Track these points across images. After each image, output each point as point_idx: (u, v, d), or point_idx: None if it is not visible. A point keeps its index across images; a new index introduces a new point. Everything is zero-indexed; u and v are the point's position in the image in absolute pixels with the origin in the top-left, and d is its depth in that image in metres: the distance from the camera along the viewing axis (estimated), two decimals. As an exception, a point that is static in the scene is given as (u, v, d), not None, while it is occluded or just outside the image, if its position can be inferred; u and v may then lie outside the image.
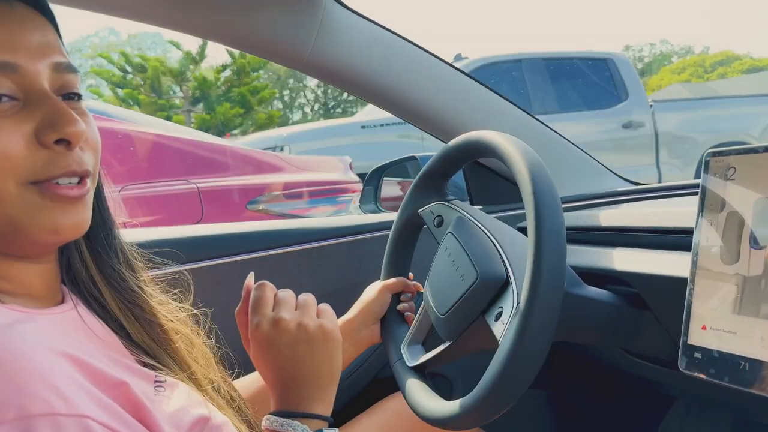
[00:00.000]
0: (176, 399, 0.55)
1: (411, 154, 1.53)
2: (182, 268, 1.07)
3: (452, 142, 0.86)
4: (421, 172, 0.94)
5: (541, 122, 1.23)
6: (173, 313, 0.66)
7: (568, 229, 1.04)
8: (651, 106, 5.09)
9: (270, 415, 0.64)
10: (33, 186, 0.50)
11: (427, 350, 0.86)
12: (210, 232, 1.12)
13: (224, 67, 11.91)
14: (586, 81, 4.97)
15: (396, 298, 0.96)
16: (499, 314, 0.69)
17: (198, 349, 0.66)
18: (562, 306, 0.69)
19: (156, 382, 0.55)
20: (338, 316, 0.96)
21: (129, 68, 11.98)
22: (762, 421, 0.91)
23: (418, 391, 0.81)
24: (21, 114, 0.50)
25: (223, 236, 1.12)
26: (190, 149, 2.84)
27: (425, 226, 0.94)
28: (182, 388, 0.57)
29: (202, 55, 11.96)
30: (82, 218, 0.54)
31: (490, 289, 0.72)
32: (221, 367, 0.71)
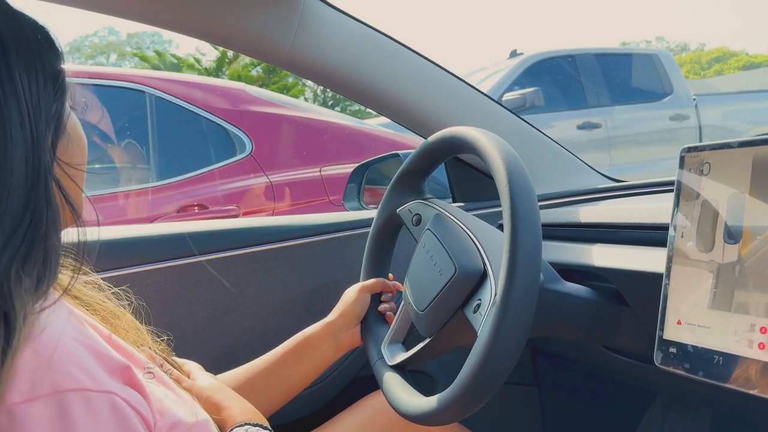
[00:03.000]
0: (164, 391, 0.55)
1: (394, 152, 1.53)
2: (161, 265, 1.07)
3: (429, 139, 0.86)
4: (399, 171, 0.93)
5: (522, 119, 1.23)
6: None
7: (548, 225, 1.05)
8: (694, 99, 5.22)
9: (249, 426, 0.63)
10: None
11: (408, 349, 0.86)
12: (189, 229, 1.11)
13: (254, 65, 11.84)
14: (634, 76, 5.14)
15: (376, 298, 0.96)
16: (478, 306, 0.69)
17: (126, 321, 0.65)
18: (541, 302, 0.69)
19: (147, 369, 0.56)
20: (320, 313, 0.96)
21: (162, 68, 11.87)
22: (740, 415, 0.92)
23: (397, 388, 0.80)
24: None
25: (202, 233, 1.11)
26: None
27: (404, 225, 0.93)
28: (169, 383, 0.58)
29: (237, 54, 11.89)
30: None
31: (468, 282, 0.72)
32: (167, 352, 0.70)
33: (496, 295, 0.65)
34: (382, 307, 0.95)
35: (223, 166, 2.66)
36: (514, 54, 5.10)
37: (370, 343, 0.92)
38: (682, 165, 0.67)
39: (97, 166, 2.64)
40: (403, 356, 0.85)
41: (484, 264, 0.72)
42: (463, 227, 0.80)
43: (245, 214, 2.61)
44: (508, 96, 4.45)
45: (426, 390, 0.76)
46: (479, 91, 1.17)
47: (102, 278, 0.69)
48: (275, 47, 0.99)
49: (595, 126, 4.72)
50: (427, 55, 1.10)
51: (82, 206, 0.56)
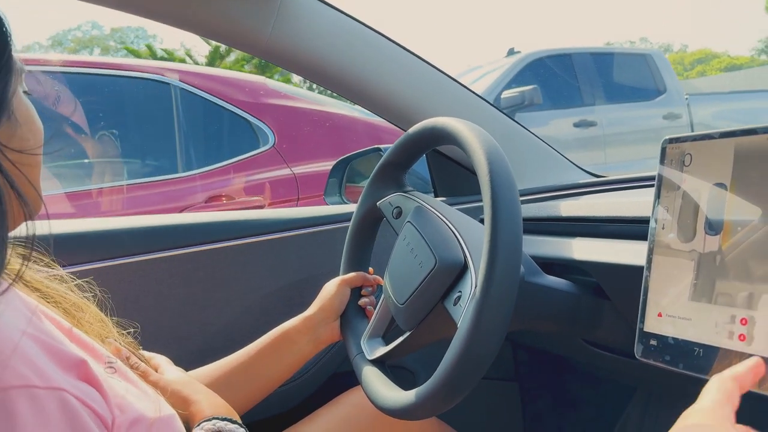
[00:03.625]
0: (126, 386, 0.53)
1: (375, 146, 1.51)
2: (138, 258, 1.04)
3: (410, 131, 0.85)
4: (379, 163, 0.92)
5: (505, 114, 1.23)
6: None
7: (530, 219, 1.05)
8: (686, 99, 5.32)
9: (217, 420, 0.62)
10: None
11: (388, 343, 0.85)
12: (168, 222, 1.09)
13: (246, 61, 11.76)
14: (629, 75, 5.26)
15: (356, 292, 0.94)
16: (458, 298, 0.69)
17: (90, 313, 0.63)
18: (522, 295, 0.68)
19: (108, 364, 0.54)
20: (299, 308, 0.94)
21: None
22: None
23: (375, 382, 0.79)
24: None
25: (182, 226, 1.09)
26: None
27: (385, 218, 0.92)
28: (132, 377, 0.56)
29: (229, 49, 11.75)
30: None
31: (449, 274, 0.71)
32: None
33: (476, 287, 0.64)
34: (362, 301, 0.94)
35: (247, 158, 2.70)
36: (511, 52, 5.17)
37: (350, 338, 0.90)
38: (663, 156, 0.67)
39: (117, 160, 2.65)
40: (382, 350, 0.84)
41: (465, 256, 0.72)
42: (444, 219, 0.79)
43: (270, 205, 2.65)
44: (506, 93, 4.49)
45: (407, 386, 0.75)
46: (461, 84, 1.16)
47: (78, 271, 0.67)
48: (254, 36, 0.97)
49: (591, 124, 4.80)
50: (409, 48, 1.08)
51: (39, 195, 0.53)
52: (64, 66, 2.64)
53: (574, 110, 4.82)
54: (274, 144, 2.70)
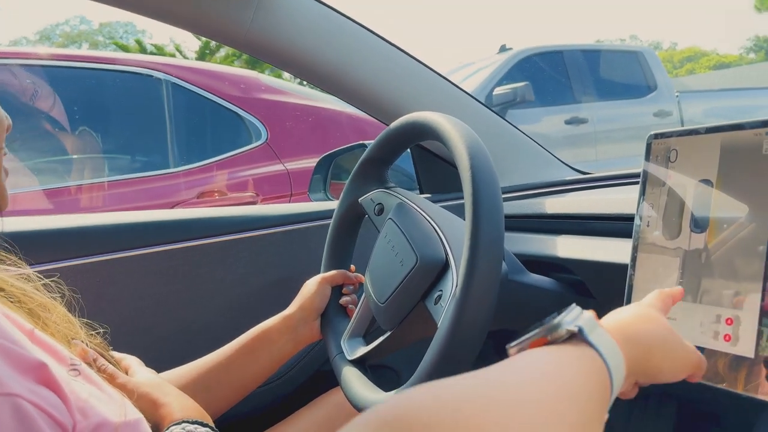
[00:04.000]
0: (89, 389, 0.51)
1: (360, 142, 1.49)
2: (116, 256, 1.02)
3: (391, 126, 0.83)
4: (360, 159, 0.90)
5: (492, 110, 1.21)
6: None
7: (515, 217, 1.03)
8: (677, 96, 5.36)
9: (186, 423, 0.60)
10: None
11: (368, 343, 0.83)
12: (146, 219, 1.06)
13: (236, 56, 11.69)
14: (620, 72, 5.28)
15: (338, 291, 0.92)
16: (439, 297, 0.67)
17: (57, 314, 0.61)
18: (505, 293, 0.66)
19: (72, 366, 0.51)
20: (280, 306, 0.92)
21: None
22: (705, 409, 0.91)
23: (355, 383, 0.77)
24: None
25: (160, 223, 1.07)
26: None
27: (367, 215, 0.90)
28: (96, 380, 0.53)
29: (219, 45, 11.66)
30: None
31: (430, 273, 0.69)
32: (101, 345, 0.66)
33: (456, 286, 0.62)
34: (344, 299, 0.92)
35: (240, 154, 2.69)
36: (503, 49, 5.17)
37: (330, 337, 0.88)
38: (648, 152, 0.65)
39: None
40: (362, 350, 0.82)
41: (447, 253, 0.70)
42: (426, 216, 0.77)
43: (263, 201, 2.64)
44: (498, 90, 4.49)
45: (391, 385, 0.74)
46: (446, 79, 1.14)
47: (51, 269, 0.65)
48: (234, 28, 0.94)
49: (582, 121, 4.81)
50: (392, 41, 1.06)
51: (5, 191, 0.51)
52: (55, 60, 2.61)
53: (565, 107, 4.83)
54: (266, 139, 2.69)
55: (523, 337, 0.44)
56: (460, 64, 5.53)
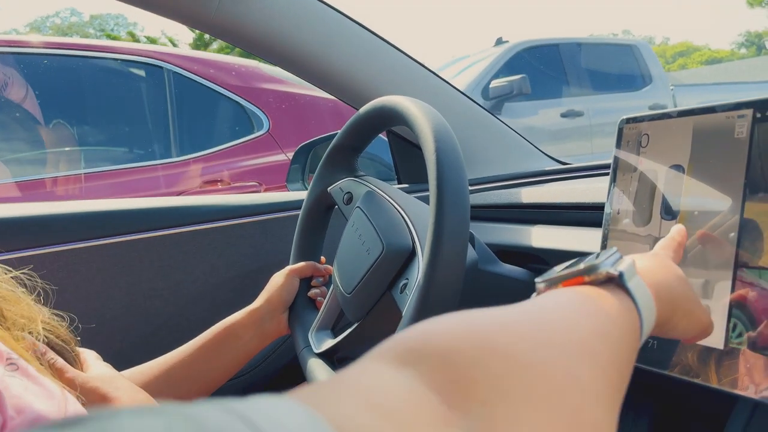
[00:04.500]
0: (26, 384, 0.48)
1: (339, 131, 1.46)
2: (82, 245, 0.99)
3: (360, 111, 0.80)
4: (329, 147, 0.87)
5: (471, 100, 1.18)
6: None
7: (489, 207, 1.01)
8: (672, 89, 5.40)
9: None
10: None
11: (336, 336, 0.80)
12: (112, 207, 1.03)
13: (230, 49, 11.63)
14: (615, 66, 5.32)
15: (306, 283, 0.89)
16: (404, 286, 0.65)
17: (19, 306, 0.58)
18: (477, 283, 0.64)
19: (9, 361, 0.48)
20: (251, 299, 0.89)
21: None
22: (683, 403, 0.89)
23: (321, 376, 0.75)
24: None
25: (126, 212, 1.03)
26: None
27: (336, 205, 0.88)
28: (35, 375, 0.50)
29: (213, 38, 11.61)
30: None
31: (396, 261, 0.67)
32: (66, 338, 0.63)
33: (421, 272, 0.60)
34: (313, 292, 0.89)
35: (242, 143, 2.68)
36: (499, 42, 5.17)
37: (298, 331, 0.86)
38: (620, 137, 0.63)
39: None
40: (330, 343, 0.79)
41: (414, 241, 0.67)
42: (395, 205, 0.75)
43: (266, 190, 2.63)
44: (495, 83, 4.49)
45: None
46: (424, 66, 1.11)
47: (13, 258, 0.62)
48: (200, 10, 0.91)
49: (578, 114, 4.83)
50: (367, 25, 1.03)
51: None
52: (57, 48, 2.59)
53: (561, 100, 4.85)
54: (268, 129, 2.69)
55: (555, 274, 0.41)
56: (454, 57, 5.54)
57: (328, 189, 0.88)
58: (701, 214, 0.54)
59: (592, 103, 4.90)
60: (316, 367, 0.78)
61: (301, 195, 1.15)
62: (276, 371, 1.08)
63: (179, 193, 2.53)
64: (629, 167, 0.62)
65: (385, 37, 1.06)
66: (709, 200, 0.54)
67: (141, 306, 1.02)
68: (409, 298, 0.62)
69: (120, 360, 0.71)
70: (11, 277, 0.60)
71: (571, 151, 4.73)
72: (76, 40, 4.07)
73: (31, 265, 0.64)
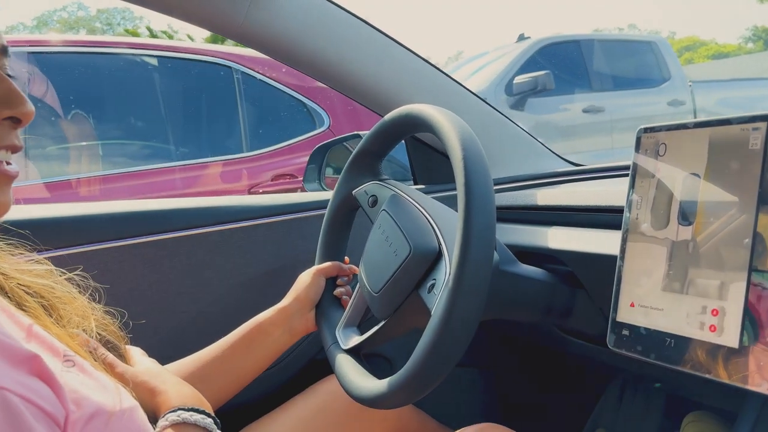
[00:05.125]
0: (83, 379, 0.52)
1: (355, 132, 1.50)
2: (109, 245, 1.02)
3: (385, 118, 0.84)
4: (354, 151, 0.91)
5: (484, 101, 1.22)
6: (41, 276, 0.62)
7: (506, 208, 1.04)
8: (690, 85, 5.44)
9: (182, 411, 0.60)
10: None
11: (363, 333, 0.84)
12: (144, 207, 1.07)
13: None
14: (635, 62, 5.40)
15: (332, 282, 0.93)
16: (432, 286, 0.68)
17: (74, 306, 0.62)
18: (497, 283, 0.67)
19: (66, 357, 0.52)
20: (274, 297, 0.93)
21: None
22: (692, 398, 0.93)
23: (350, 371, 0.79)
24: None
25: (158, 212, 1.07)
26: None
27: (360, 207, 0.91)
28: (90, 370, 0.54)
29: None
30: (10, 198, 0.54)
31: (423, 262, 0.70)
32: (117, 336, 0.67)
33: (449, 274, 0.63)
34: (338, 291, 0.93)
35: (306, 139, 2.83)
36: (521, 38, 5.23)
37: (325, 328, 0.89)
38: (638, 145, 0.67)
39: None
40: (357, 340, 0.83)
41: (440, 243, 0.71)
42: (419, 208, 0.78)
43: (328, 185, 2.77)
44: (519, 79, 4.54)
45: (384, 374, 0.75)
46: (441, 71, 1.15)
47: (45, 258, 0.66)
48: (228, 19, 0.95)
49: (599, 110, 4.89)
50: (389, 33, 1.07)
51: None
52: (141, 49, 2.80)
53: (582, 96, 4.91)
54: (329, 126, 2.83)
55: None
56: (472, 54, 5.59)
57: (353, 192, 0.91)
58: (717, 221, 0.57)
59: (613, 99, 4.98)
60: (344, 362, 0.81)
61: (323, 196, 1.19)
62: (300, 366, 1.12)
63: (251, 187, 2.70)
64: (647, 174, 0.65)
65: (400, 41, 1.10)
66: (724, 207, 0.57)
67: (169, 304, 1.06)
68: (437, 298, 0.65)
69: (149, 356, 0.75)
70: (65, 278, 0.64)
71: (592, 146, 4.80)
72: (150, 40, 4.30)
73: (69, 265, 0.68)
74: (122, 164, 2.69)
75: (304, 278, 0.92)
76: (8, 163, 0.53)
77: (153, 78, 2.81)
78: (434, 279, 0.69)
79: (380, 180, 0.89)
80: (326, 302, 0.91)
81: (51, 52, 2.60)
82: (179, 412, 0.59)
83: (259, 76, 2.82)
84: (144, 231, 1.04)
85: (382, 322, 0.78)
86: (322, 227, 0.96)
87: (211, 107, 2.90)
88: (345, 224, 0.96)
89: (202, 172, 2.72)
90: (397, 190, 0.84)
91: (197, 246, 1.07)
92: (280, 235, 1.13)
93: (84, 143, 2.68)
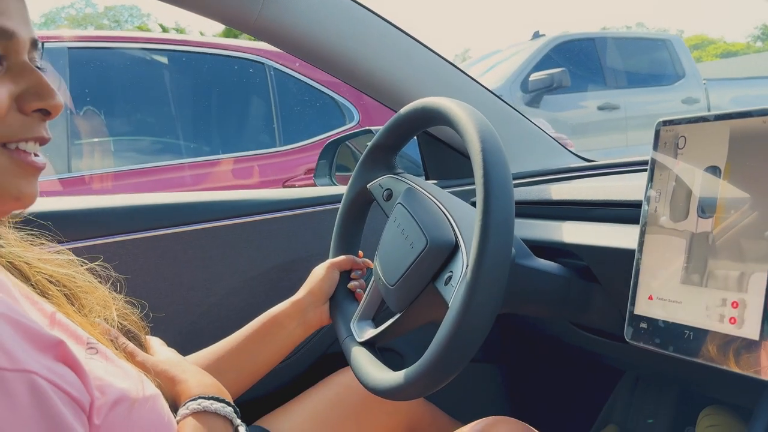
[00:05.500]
0: (106, 366, 0.52)
1: (367, 127, 1.50)
2: (123, 238, 1.03)
3: (400, 111, 0.84)
4: (369, 145, 0.91)
5: (498, 97, 1.22)
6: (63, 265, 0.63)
7: (520, 203, 1.04)
8: (704, 83, 5.44)
9: (202, 399, 0.61)
10: (3, 149, 0.51)
11: (378, 326, 0.84)
12: (154, 201, 1.08)
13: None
14: (649, 59, 5.42)
15: (346, 276, 0.94)
16: (449, 278, 0.68)
17: (96, 296, 0.63)
18: (513, 277, 0.67)
19: (89, 345, 0.53)
20: (288, 290, 0.93)
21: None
22: (705, 393, 0.93)
23: (365, 363, 0.79)
24: (5, 78, 0.51)
25: (173, 205, 1.08)
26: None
27: (375, 201, 0.91)
28: (113, 358, 0.55)
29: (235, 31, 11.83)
30: (37, 189, 0.54)
31: (440, 255, 0.70)
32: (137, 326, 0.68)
33: (467, 267, 0.63)
34: (352, 284, 0.93)
35: (338, 133, 2.84)
36: (536, 35, 5.25)
37: (339, 321, 0.90)
38: (657, 139, 0.66)
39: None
40: (372, 332, 0.83)
41: (456, 236, 0.71)
42: (435, 201, 0.79)
43: None
44: (535, 76, 4.56)
45: (396, 368, 0.75)
46: (454, 65, 1.15)
47: (62, 249, 0.66)
48: (243, 13, 0.95)
49: (614, 107, 4.90)
50: (403, 28, 1.07)
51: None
52: (175, 45, 2.88)
53: (598, 93, 4.92)
54: (358, 121, 2.89)
55: None
56: (485, 52, 5.61)
57: (368, 186, 0.91)
58: (737, 213, 0.57)
59: (628, 96, 4.99)
60: (360, 354, 0.81)
61: (338, 190, 1.19)
62: (314, 359, 1.13)
63: (286, 180, 2.77)
64: (666, 167, 0.65)
65: (414, 35, 1.10)
66: (744, 200, 0.57)
67: (183, 297, 1.07)
68: (454, 290, 0.65)
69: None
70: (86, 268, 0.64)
71: (607, 143, 4.81)
72: (181, 36, 4.42)
73: (102, 257, 0.69)
74: (161, 158, 2.79)
75: (318, 271, 0.92)
76: (36, 155, 0.53)
77: (187, 74, 2.88)
78: (451, 271, 0.69)
79: (395, 173, 0.89)
80: (340, 295, 0.92)
81: (87, 48, 2.68)
82: (200, 400, 0.59)
83: (291, 73, 2.89)
84: (159, 224, 1.05)
85: (398, 315, 0.78)
86: (337, 221, 0.97)
87: (245, 103, 2.96)
88: (359, 218, 0.97)
89: (239, 166, 2.79)
90: (412, 183, 0.84)
91: (211, 239, 1.07)
92: (294, 229, 1.13)
93: (122, 138, 2.78)
